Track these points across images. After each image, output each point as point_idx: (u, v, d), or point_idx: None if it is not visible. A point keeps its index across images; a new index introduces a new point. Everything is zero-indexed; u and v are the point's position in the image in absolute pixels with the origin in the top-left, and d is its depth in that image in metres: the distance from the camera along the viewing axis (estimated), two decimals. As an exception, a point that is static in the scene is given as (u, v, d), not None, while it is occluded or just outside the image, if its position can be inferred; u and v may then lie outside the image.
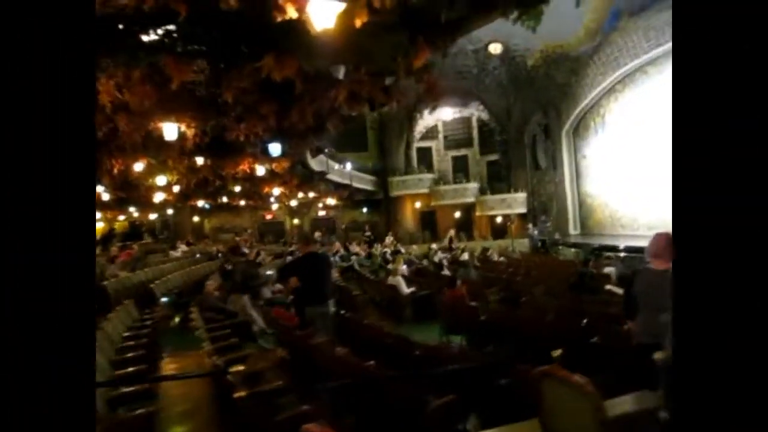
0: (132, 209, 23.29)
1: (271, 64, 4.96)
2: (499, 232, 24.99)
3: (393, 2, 3.92)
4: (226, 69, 5.05)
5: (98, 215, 25.13)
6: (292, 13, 3.24)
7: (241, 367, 3.49)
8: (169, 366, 6.08)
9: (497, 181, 25.89)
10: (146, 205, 20.78)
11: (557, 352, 3.57)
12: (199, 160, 10.66)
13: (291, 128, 7.50)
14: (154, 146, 8.27)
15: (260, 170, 12.05)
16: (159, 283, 10.60)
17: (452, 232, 21.46)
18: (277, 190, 18.56)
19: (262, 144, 8.72)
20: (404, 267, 14.61)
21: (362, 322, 6.62)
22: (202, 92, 6.05)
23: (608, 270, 10.97)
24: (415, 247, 20.44)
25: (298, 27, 4.27)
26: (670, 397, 1.78)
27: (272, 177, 14.78)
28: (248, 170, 12.07)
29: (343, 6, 3.23)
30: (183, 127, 7.11)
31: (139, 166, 10.69)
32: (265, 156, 9.13)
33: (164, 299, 9.85)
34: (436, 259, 17.53)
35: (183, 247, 21.61)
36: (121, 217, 27.98)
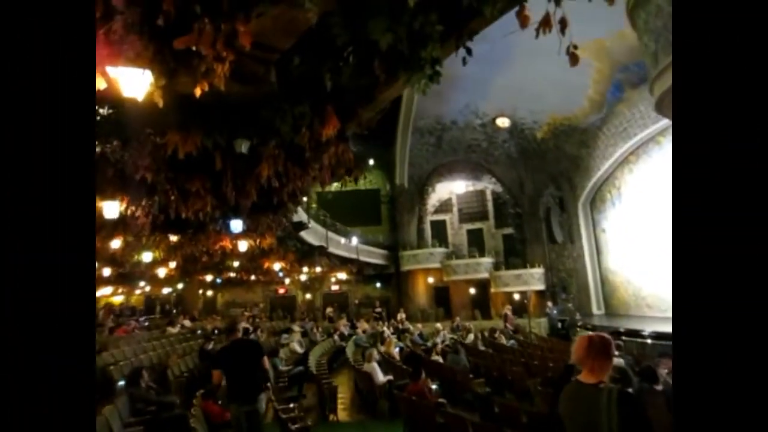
0: (142, 284, 23.46)
1: (176, 140, 4.68)
2: (518, 310, 23.41)
3: (263, 71, 3.59)
4: (126, 146, 4.80)
5: (109, 290, 25.46)
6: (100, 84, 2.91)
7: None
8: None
9: (513, 255, 24.75)
10: (152, 280, 20.85)
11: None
12: (173, 238, 10.47)
13: (243, 206, 7.15)
14: (109, 225, 8.10)
15: (242, 246, 11.74)
16: (123, 365, 10.03)
17: (458, 320, 20.16)
18: (278, 265, 18.21)
19: (223, 221, 8.41)
20: (396, 350, 13.55)
21: None
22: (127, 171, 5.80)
23: (616, 361, 9.61)
24: (419, 325, 19.21)
25: (194, 100, 3.98)
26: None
27: (263, 253, 14.47)
28: (229, 246, 11.79)
29: (150, 80, 2.91)
30: (123, 206, 6.90)
31: (116, 243, 10.59)
32: (228, 233, 8.80)
33: (121, 383, 9.20)
34: (431, 342, 16.30)
35: (186, 323, 21.17)
36: (137, 291, 28.30)
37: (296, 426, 6.12)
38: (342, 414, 9.89)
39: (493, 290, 23.93)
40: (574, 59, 2.86)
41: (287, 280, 27.46)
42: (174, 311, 23.94)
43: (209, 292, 28.96)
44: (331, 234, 19.17)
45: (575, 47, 2.85)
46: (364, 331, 18.99)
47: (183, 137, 4.63)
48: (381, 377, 9.46)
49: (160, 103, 3.35)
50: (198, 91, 3.16)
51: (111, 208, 6.77)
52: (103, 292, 25.55)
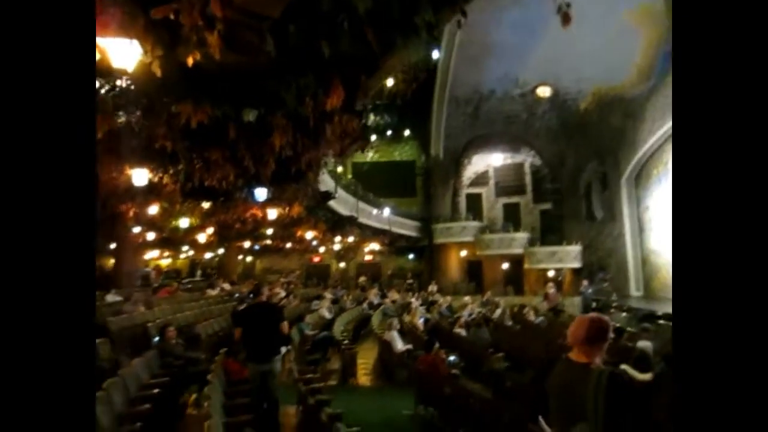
0: (185, 248, 24.68)
1: (188, 110, 4.80)
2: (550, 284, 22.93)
3: (257, 41, 3.58)
4: (145, 116, 4.96)
5: (156, 253, 26.92)
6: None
7: None
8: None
9: (550, 232, 24.09)
10: (193, 245, 21.86)
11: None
12: (205, 205, 10.87)
13: (263, 175, 7.30)
14: (143, 191, 8.50)
15: (271, 214, 12.05)
16: (159, 322, 10.65)
17: (488, 294, 19.99)
18: (310, 234, 18.61)
19: (248, 189, 8.63)
20: (421, 320, 13.70)
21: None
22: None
23: (642, 344, 9.27)
24: (448, 298, 19.22)
25: (200, 71, 4.06)
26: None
27: (294, 222, 14.80)
28: (260, 214, 12.13)
29: (139, 50, 2.96)
30: (151, 174, 7.20)
31: (153, 209, 11.14)
32: (253, 201, 9.04)
33: (156, 339, 9.81)
34: (464, 314, 16.34)
35: (226, 286, 22.16)
36: (182, 256, 29.80)
37: (312, 386, 6.39)
38: (363, 379, 10.20)
39: (526, 266, 23.52)
40: (566, 19, 2.68)
41: (322, 249, 28.04)
42: (214, 275, 25.06)
43: (248, 259, 30.07)
44: (361, 204, 19.28)
45: (569, 5, 2.66)
46: (393, 302, 19.24)
47: (194, 107, 4.73)
48: (400, 346, 9.62)
49: (158, 73, 3.42)
50: (190, 61, 3.20)
51: (139, 176, 7.08)
52: (151, 255, 27.09)
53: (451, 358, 9.79)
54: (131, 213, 10.98)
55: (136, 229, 15.25)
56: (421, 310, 16.90)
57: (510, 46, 18.62)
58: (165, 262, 30.98)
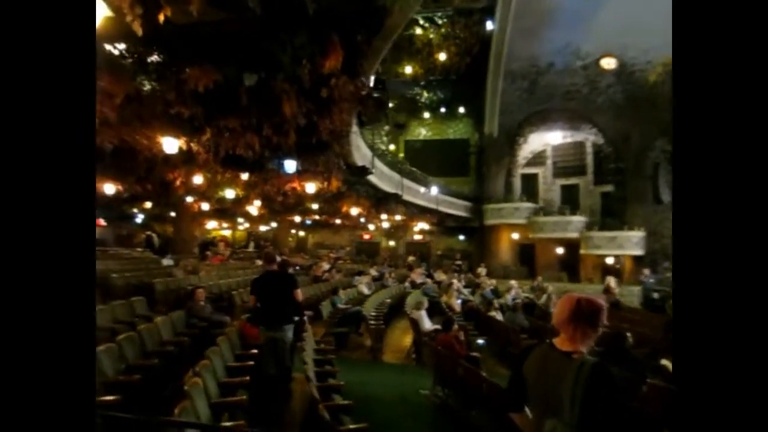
0: (241, 220, 25.79)
1: (196, 74, 4.82)
2: (611, 275, 21.57)
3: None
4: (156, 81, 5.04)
5: (216, 224, 28.38)
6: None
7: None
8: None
9: (610, 215, 22.53)
10: (247, 217, 22.73)
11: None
12: (244, 176, 11.14)
13: (285, 145, 7.30)
14: (177, 159, 8.82)
15: (309, 188, 12.15)
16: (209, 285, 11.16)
17: (542, 283, 19.06)
18: (355, 210, 18.69)
19: (278, 160, 8.70)
20: (458, 302, 13.39)
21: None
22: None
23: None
24: (494, 281, 18.64)
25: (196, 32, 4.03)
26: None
27: (336, 196, 14.88)
28: (298, 188, 12.27)
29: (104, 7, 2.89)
30: (182, 143, 7.42)
31: (198, 179, 11.60)
32: (283, 172, 9.11)
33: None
34: (502, 299, 15.81)
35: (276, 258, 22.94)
36: (241, 228, 31.24)
37: (321, 357, 6.41)
38: (391, 356, 10.15)
39: (582, 252, 22.24)
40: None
41: (371, 227, 28.19)
42: (266, 247, 26.03)
43: (301, 233, 30.93)
44: (408, 182, 18.99)
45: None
46: (438, 282, 19.01)
47: (200, 71, 4.73)
48: (428, 325, 9.44)
49: (139, 32, 3.38)
50: (161, 17, 3.13)
51: (169, 144, 7.31)
52: (210, 225, 28.64)
53: (480, 341, 9.50)
54: (178, 182, 11.49)
55: (189, 199, 16.04)
56: (464, 291, 16.58)
57: (571, 15, 17.27)
58: (226, 233, 32.68)
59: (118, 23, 3.47)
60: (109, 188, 13.09)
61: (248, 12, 3.67)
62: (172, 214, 19.73)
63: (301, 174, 9.67)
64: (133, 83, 5.27)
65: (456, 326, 7.16)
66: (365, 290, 14.75)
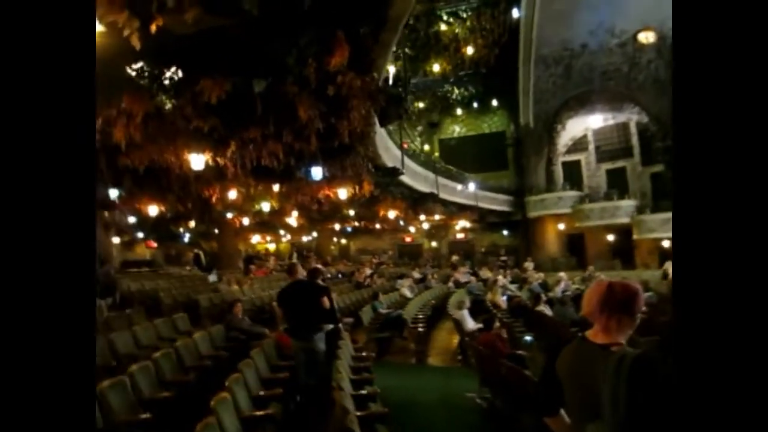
0: (282, 232, 26.24)
1: (209, 86, 4.82)
2: (665, 260, 20.24)
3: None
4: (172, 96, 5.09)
5: (259, 238, 29.05)
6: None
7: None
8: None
9: (663, 197, 21.15)
10: (287, 229, 23.08)
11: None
12: (275, 187, 11.24)
13: (307, 151, 7.26)
14: (209, 176, 8.98)
15: (342, 194, 12.11)
16: (245, 300, 11.36)
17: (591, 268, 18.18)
18: (392, 213, 18.53)
19: (305, 168, 8.68)
20: (503, 299, 12.90)
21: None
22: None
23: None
24: (541, 274, 17.91)
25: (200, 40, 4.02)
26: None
27: (371, 200, 14.77)
28: (331, 195, 12.25)
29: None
30: (208, 158, 7.52)
31: (232, 194, 11.83)
32: (310, 180, 9.08)
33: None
34: (557, 291, 15.13)
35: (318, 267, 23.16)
36: (284, 240, 31.84)
37: (358, 365, 6.26)
38: (436, 359, 9.88)
39: (636, 237, 21.01)
40: None
41: (412, 229, 27.94)
42: (309, 257, 26.34)
43: (343, 241, 31.12)
44: (444, 180, 18.63)
45: None
46: (484, 280, 18.52)
47: (212, 82, 4.72)
48: (470, 325, 9.10)
49: (137, 46, 3.37)
50: (153, 27, 3.09)
51: (196, 160, 7.43)
52: (255, 239, 29.38)
53: (527, 337, 9.04)
54: (214, 198, 11.75)
55: (229, 215, 16.45)
56: (510, 287, 16.05)
57: (602, -10, 16.43)
58: (271, 247, 33.42)
59: (120, 40, 3.48)
60: (153, 210, 13.61)
61: (246, 15, 3.58)
62: (216, 231, 20.35)
63: (330, 180, 9.61)
64: (152, 101, 5.33)
65: (498, 324, 6.82)
66: (408, 293, 14.54)
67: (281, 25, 3.82)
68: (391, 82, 8.44)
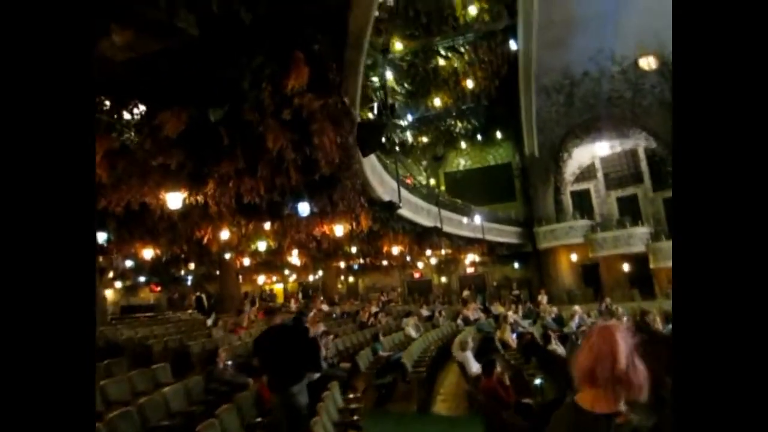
0: (287, 272, 25.72)
1: (167, 117, 4.49)
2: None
3: (167, 19, 3.02)
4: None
5: (263, 278, 28.56)
6: None
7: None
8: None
9: (679, 223, 20.33)
10: (291, 268, 22.60)
11: None
12: (266, 225, 10.85)
13: (286, 186, 6.88)
14: (195, 215, 8.63)
15: (338, 230, 11.66)
16: (238, 345, 10.74)
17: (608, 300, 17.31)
18: (396, 249, 17.96)
19: (292, 204, 8.27)
20: (513, 335, 12.10)
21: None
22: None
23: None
24: (554, 308, 16.99)
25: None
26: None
27: (371, 236, 14.30)
28: (327, 231, 11.82)
29: None
30: (185, 197, 7.16)
31: (225, 234, 11.45)
32: (296, 216, 8.65)
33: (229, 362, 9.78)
34: (572, 326, 14.29)
35: (324, 307, 22.46)
36: (291, 279, 31.28)
37: (344, 419, 5.63)
38: (442, 406, 9.10)
39: (653, 266, 20.06)
40: None
41: (420, 265, 27.26)
42: (313, 296, 25.71)
43: (351, 278, 30.45)
44: (448, 213, 18.13)
45: None
46: (495, 316, 17.68)
47: (170, 114, 4.38)
48: (474, 368, 8.37)
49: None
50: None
51: (173, 199, 7.06)
52: (261, 281, 28.88)
53: (537, 381, 8.26)
54: (206, 239, 11.38)
55: (228, 255, 16.05)
56: (522, 323, 15.22)
57: (598, 20, 16.35)
58: (279, 287, 32.83)
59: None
60: (147, 253, 13.28)
61: (184, 35, 3.25)
62: (218, 272, 19.95)
63: (322, 216, 9.19)
64: (114, 138, 5.02)
65: (498, 369, 6.13)
66: (413, 333, 13.79)
67: (227, 45, 3.49)
68: (376, 111, 8.14)
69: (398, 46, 20.28)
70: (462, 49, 20.89)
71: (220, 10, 3.09)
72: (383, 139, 5.67)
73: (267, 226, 10.55)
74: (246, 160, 5.59)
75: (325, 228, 11.70)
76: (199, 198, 7.53)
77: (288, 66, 3.71)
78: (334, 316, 19.94)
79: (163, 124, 4.49)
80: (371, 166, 10.09)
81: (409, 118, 25.47)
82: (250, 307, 18.40)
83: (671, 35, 1.28)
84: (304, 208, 8.25)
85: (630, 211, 22.29)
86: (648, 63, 17.74)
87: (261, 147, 5.12)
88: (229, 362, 9.10)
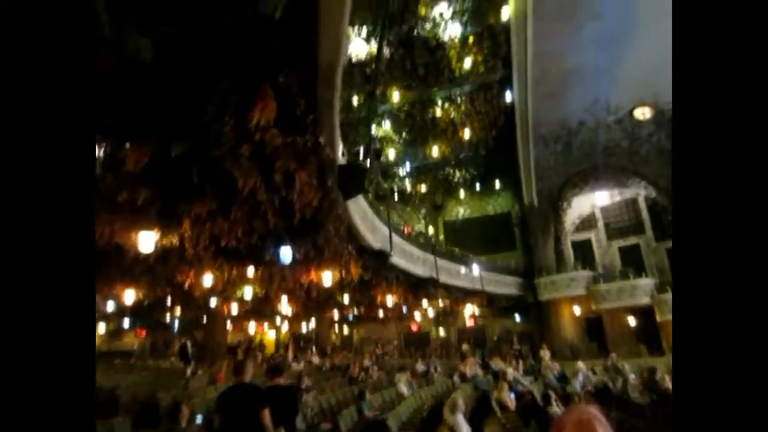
0: (278, 321, 24.81)
1: (129, 152, 4.18)
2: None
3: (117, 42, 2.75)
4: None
5: (255, 326, 27.53)
6: None
7: None
8: None
9: (684, 275, 19.71)
10: (283, 317, 21.78)
11: None
12: (249, 271, 10.38)
13: (262, 229, 6.50)
14: (173, 257, 8.21)
15: (326, 278, 11.14)
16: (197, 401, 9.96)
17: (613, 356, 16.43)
18: (390, 300, 17.29)
19: (273, 249, 7.86)
20: (512, 395, 11.27)
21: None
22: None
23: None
24: (556, 364, 16.07)
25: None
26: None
27: (363, 285, 13.74)
28: (315, 279, 11.31)
29: None
30: (158, 238, 6.78)
31: (208, 279, 10.95)
32: (278, 263, 8.20)
33: (199, 417, 8.93)
34: (575, 385, 13.41)
35: (314, 359, 21.44)
36: (284, 330, 30.17)
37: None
38: (433, 475, 8.24)
39: (659, 319, 19.25)
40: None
41: (418, 316, 26.37)
42: (305, 347, 24.67)
43: (345, 329, 29.38)
44: (445, 263, 17.62)
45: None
46: (495, 372, 16.74)
47: (132, 146, 4.08)
48: None
49: None
50: None
51: (144, 240, 6.66)
52: (252, 329, 27.80)
53: (536, 448, 7.49)
54: (187, 284, 10.89)
55: (213, 300, 15.41)
56: (522, 380, 14.32)
57: (592, 71, 16.59)
58: (271, 336, 31.63)
59: None
60: (128, 295, 12.70)
61: (136, 60, 2.97)
62: (205, 318, 19.21)
63: (307, 263, 8.74)
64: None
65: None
66: (404, 390, 12.94)
67: (185, 73, 3.22)
68: (362, 155, 7.91)
69: (396, 98, 20.62)
70: (459, 100, 21.18)
71: (177, 34, 2.83)
72: (367, 183, 5.30)
73: (251, 271, 10.09)
74: (218, 200, 5.24)
75: (313, 275, 11.21)
76: (174, 240, 7.15)
77: (254, 98, 3.43)
78: (323, 369, 18.98)
79: (125, 157, 4.17)
80: (362, 212, 9.75)
81: (408, 166, 25.53)
82: (243, 357, 17.46)
83: (665, 85, 1.20)
84: (286, 253, 7.83)
85: (633, 262, 21.74)
86: (643, 113, 17.85)
87: (232, 186, 4.78)
88: (199, 417, 8.34)
